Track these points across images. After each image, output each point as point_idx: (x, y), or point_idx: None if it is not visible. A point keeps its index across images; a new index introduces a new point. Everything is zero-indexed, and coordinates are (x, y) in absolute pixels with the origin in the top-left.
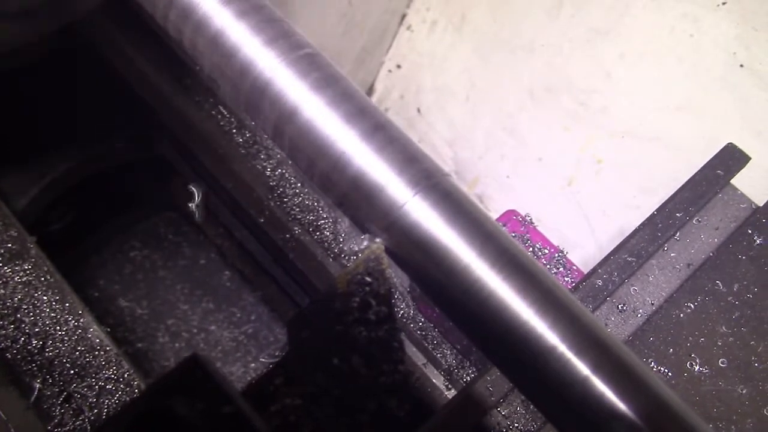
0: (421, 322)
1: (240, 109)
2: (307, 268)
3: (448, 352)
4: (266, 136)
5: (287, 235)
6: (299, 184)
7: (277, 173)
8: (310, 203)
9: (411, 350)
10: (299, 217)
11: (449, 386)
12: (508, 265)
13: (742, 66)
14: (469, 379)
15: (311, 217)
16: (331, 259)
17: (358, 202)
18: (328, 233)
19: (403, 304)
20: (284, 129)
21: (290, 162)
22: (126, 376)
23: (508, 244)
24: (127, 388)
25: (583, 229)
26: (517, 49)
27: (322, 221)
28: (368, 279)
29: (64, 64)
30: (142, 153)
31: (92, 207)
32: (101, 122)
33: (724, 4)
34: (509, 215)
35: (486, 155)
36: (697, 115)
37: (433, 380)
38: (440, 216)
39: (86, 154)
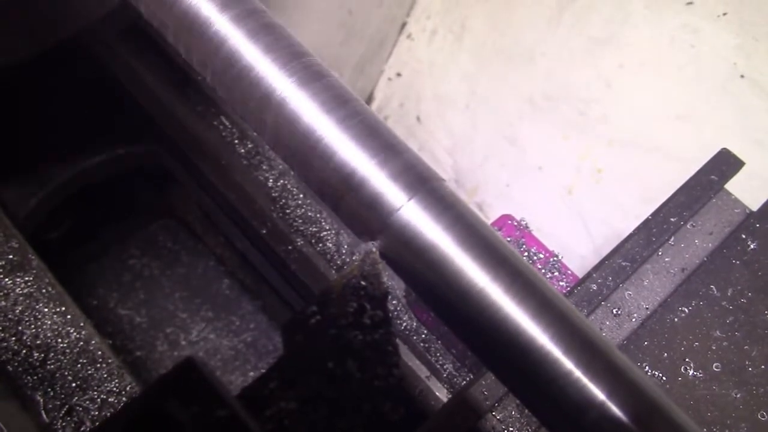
0: (423, 334)
1: (248, 125)
2: (310, 280)
3: (451, 366)
4: (268, 148)
5: (289, 247)
6: (301, 195)
7: (279, 184)
8: (312, 215)
9: (414, 363)
10: (302, 228)
11: None
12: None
13: (742, 76)
14: (465, 383)
15: (314, 229)
16: (333, 271)
17: (354, 205)
18: (330, 245)
19: (406, 316)
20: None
21: (292, 173)
22: (128, 388)
23: (517, 261)
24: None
25: (583, 238)
26: (517, 57)
27: (325, 233)
28: (363, 283)
29: (64, 74)
30: (142, 162)
31: (91, 215)
32: (101, 132)
33: (724, 14)
34: (504, 220)
35: (486, 163)
36: (697, 125)
37: (436, 393)
38: (436, 222)
39: (86, 163)
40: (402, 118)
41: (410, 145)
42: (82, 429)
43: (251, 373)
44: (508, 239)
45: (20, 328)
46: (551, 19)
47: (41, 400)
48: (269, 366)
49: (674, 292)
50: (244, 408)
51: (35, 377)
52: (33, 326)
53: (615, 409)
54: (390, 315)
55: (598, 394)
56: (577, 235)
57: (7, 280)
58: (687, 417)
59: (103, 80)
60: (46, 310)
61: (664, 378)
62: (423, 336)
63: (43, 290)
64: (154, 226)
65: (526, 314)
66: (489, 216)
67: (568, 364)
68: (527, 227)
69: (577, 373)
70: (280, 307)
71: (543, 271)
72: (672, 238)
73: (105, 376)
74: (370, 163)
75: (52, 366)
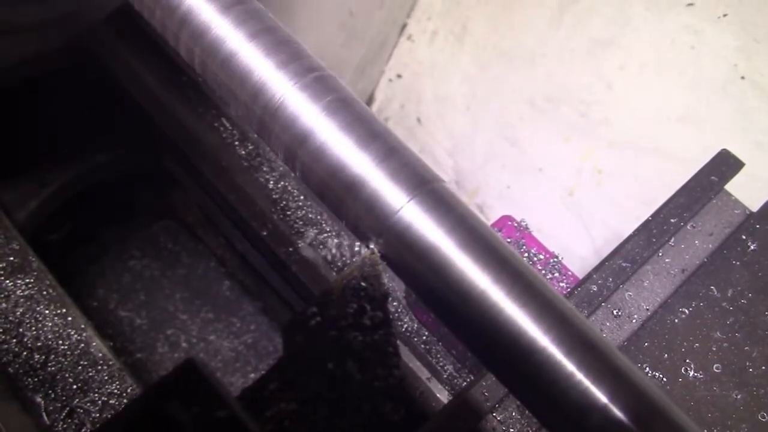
0: (424, 336)
1: (252, 130)
2: (310, 281)
3: (451, 367)
4: (269, 150)
5: (290, 249)
6: (302, 197)
7: (279, 186)
8: (313, 216)
9: (415, 364)
10: (302, 230)
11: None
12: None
13: (743, 78)
14: (465, 384)
15: (315, 231)
16: (334, 273)
17: (355, 207)
18: (331, 247)
19: (407, 318)
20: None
21: (293, 175)
22: (129, 390)
23: (519, 263)
24: None
25: (584, 239)
26: (517, 59)
27: (326, 234)
28: (363, 284)
29: (64, 75)
30: (142, 164)
31: (91, 216)
32: (101, 132)
33: (725, 16)
34: (504, 221)
35: (486, 165)
36: (698, 127)
37: (437, 395)
38: (437, 223)
39: (86, 164)
40: (402, 120)
41: (411, 146)
42: (82, 431)
43: (252, 375)
44: (508, 240)
45: (21, 330)
46: (552, 20)
47: (42, 402)
48: (269, 367)
49: (674, 293)
50: (244, 409)
51: (36, 379)
52: (34, 328)
53: (617, 412)
54: (390, 316)
55: (601, 397)
56: (577, 236)
57: (8, 282)
58: (689, 419)
59: (103, 81)
60: (47, 312)
61: (664, 379)
62: (424, 338)
63: (44, 292)
64: (155, 227)
65: (527, 317)
66: (490, 217)
67: (569, 366)
68: (527, 228)
69: (579, 376)
70: (280, 309)
71: (543, 272)
72: (672, 239)
73: (106, 378)
74: (370, 164)
75: (52, 368)
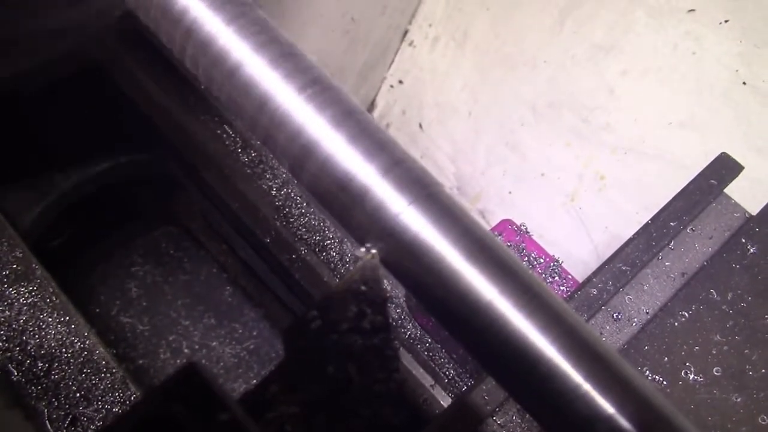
0: (427, 342)
1: (253, 136)
2: (313, 288)
3: (453, 372)
4: (273, 157)
5: (293, 256)
6: (305, 204)
7: (282, 193)
8: (316, 223)
9: (418, 371)
10: (305, 237)
11: None
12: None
13: (744, 83)
14: (466, 388)
15: (317, 237)
16: (337, 280)
17: (354, 211)
18: (334, 253)
19: (410, 324)
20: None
21: (295, 181)
22: (132, 398)
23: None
24: None
25: (586, 245)
26: (519, 65)
27: (329, 241)
28: (363, 288)
29: (66, 82)
30: (144, 170)
31: (93, 222)
32: (104, 140)
33: (726, 22)
34: (504, 225)
35: (488, 171)
36: (699, 132)
37: (441, 402)
38: (436, 227)
39: (89, 171)
40: (404, 126)
41: (412, 152)
42: None
43: (254, 381)
44: (508, 244)
45: (24, 337)
46: (553, 26)
47: (45, 410)
48: (270, 370)
49: (674, 297)
50: (245, 412)
51: (39, 387)
52: (37, 336)
53: (623, 423)
54: (390, 320)
55: (607, 407)
56: (580, 242)
57: (11, 289)
58: (696, 430)
59: (105, 88)
60: (50, 319)
61: (664, 382)
62: (427, 344)
63: (48, 300)
64: (157, 233)
65: (535, 327)
66: (492, 223)
67: (576, 377)
68: (527, 232)
69: (586, 387)
70: (282, 315)
71: (543, 275)
72: (672, 243)
73: (109, 386)
74: (369, 168)
75: (56, 376)
